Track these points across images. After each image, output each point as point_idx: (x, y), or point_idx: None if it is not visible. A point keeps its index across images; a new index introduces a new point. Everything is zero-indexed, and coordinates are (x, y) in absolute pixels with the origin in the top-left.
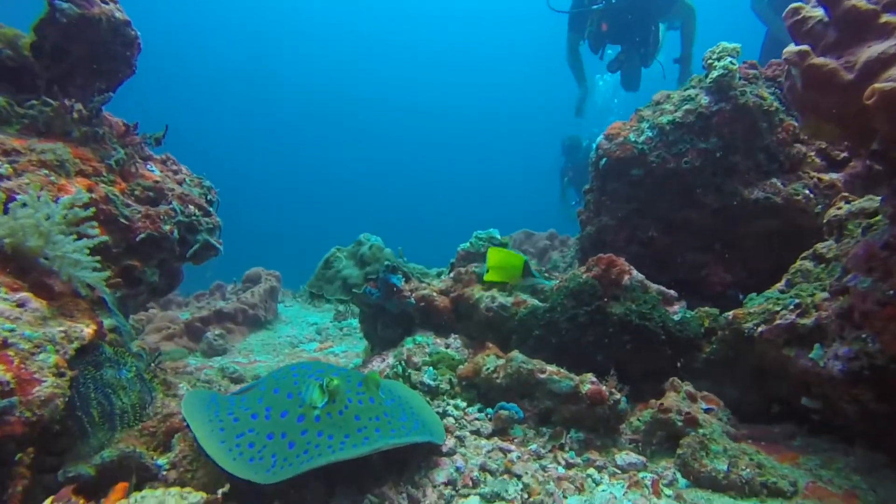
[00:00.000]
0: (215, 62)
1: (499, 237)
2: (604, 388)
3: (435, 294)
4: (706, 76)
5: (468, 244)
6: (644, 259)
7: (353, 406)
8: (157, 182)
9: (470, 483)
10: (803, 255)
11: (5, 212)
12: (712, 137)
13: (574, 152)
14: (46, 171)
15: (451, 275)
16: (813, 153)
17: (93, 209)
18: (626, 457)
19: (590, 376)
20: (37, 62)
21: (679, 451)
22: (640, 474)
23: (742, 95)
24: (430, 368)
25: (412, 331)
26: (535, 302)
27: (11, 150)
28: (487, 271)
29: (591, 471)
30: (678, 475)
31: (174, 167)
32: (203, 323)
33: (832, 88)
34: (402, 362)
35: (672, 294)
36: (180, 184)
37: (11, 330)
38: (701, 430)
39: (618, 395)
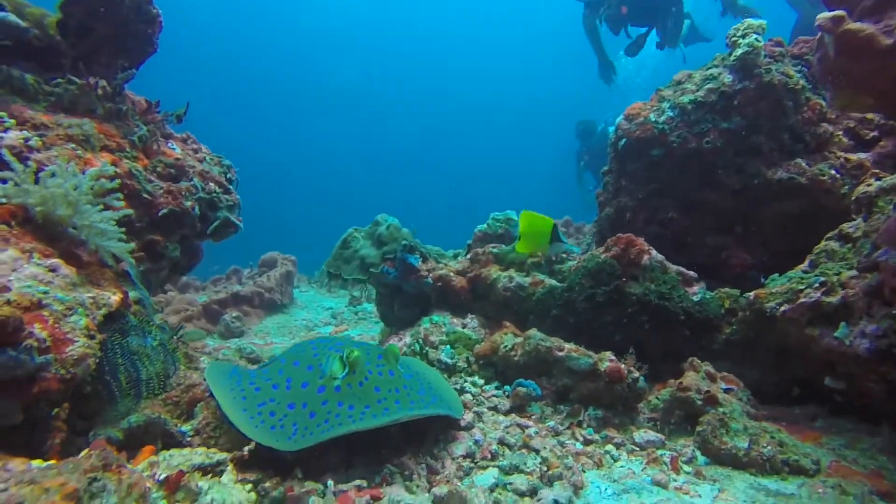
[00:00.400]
0: (233, 47)
1: (515, 218)
2: (622, 365)
3: (452, 274)
4: (730, 54)
5: (485, 225)
6: (663, 241)
7: (374, 378)
8: (178, 159)
9: (489, 455)
10: (828, 235)
11: (36, 181)
12: (735, 117)
13: (588, 136)
14: (73, 146)
15: (468, 255)
16: (840, 132)
17: (118, 181)
18: (644, 434)
19: (608, 354)
20: (63, 41)
21: (699, 429)
22: (659, 452)
23: (767, 73)
24: (448, 346)
25: (429, 311)
26: (553, 282)
27: (40, 125)
28: (520, 238)
29: (610, 447)
30: (697, 453)
31: (194, 146)
32: (220, 305)
33: (869, 55)
34: (420, 341)
35: (692, 275)
36: (201, 162)
37: (45, 292)
38: (721, 409)
39: (636, 374)
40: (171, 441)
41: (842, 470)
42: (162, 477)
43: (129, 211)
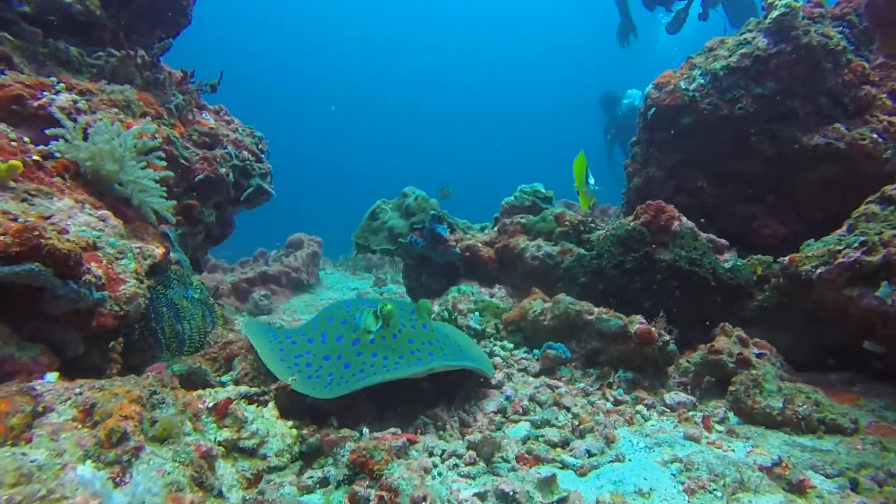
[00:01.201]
0: (266, 38)
1: (543, 191)
2: (653, 328)
3: (480, 245)
4: (765, 17)
5: (513, 198)
6: (692, 210)
7: (407, 331)
8: (212, 128)
9: (520, 410)
10: (868, 199)
11: (85, 138)
12: (769, 82)
13: (612, 107)
14: (116, 110)
15: (496, 227)
16: (884, 95)
17: (160, 139)
18: (675, 396)
19: (638, 317)
20: (104, 13)
21: (731, 389)
22: (690, 412)
23: (805, 35)
24: (477, 313)
25: (456, 281)
26: (581, 250)
27: (86, 91)
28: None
29: (640, 407)
30: (730, 413)
31: (227, 118)
32: (249, 284)
33: None
34: (448, 308)
35: (723, 242)
36: (234, 132)
37: (99, 236)
38: (753, 371)
39: (667, 336)
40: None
41: (882, 429)
42: (211, 404)
43: (169, 173)
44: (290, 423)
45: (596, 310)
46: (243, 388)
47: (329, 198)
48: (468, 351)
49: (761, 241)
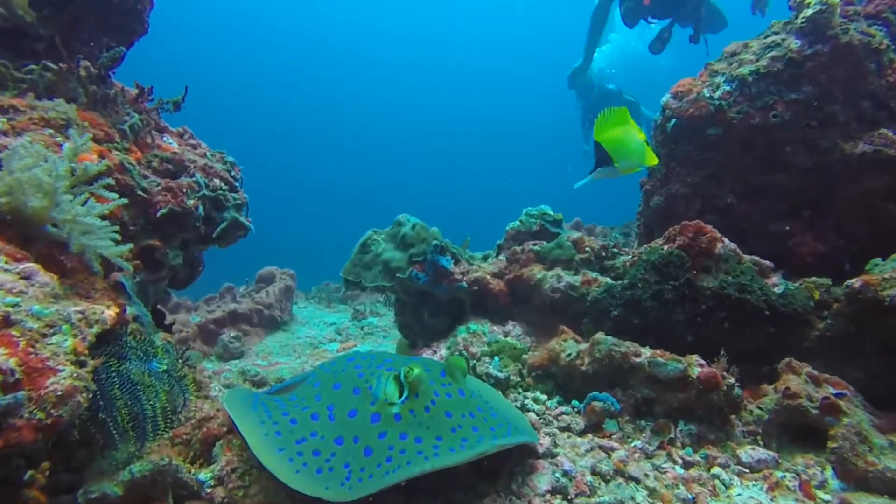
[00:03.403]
0: (226, 55)
1: (552, 213)
2: (716, 370)
3: (488, 277)
4: (795, 17)
5: (518, 223)
6: (721, 230)
7: (441, 400)
8: (175, 154)
9: (586, 490)
10: None
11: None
12: (805, 86)
13: (587, 91)
14: (51, 131)
15: (504, 255)
16: None
17: (106, 162)
18: (751, 452)
19: (696, 358)
20: (36, 14)
21: (832, 446)
22: (778, 473)
23: (844, 33)
24: (496, 358)
25: (463, 318)
26: (608, 280)
27: (9, 108)
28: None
29: (717, 470)
30: (828, 475)
31: (192, 141)
32: (217, 325)
33: None
34: (461, 352)
35: (767, 264)
36: (202, 157)
37: (15, 304)
38: (845, 420)
39: (731, 379)
40: (186, 493)
41: None
42: None
43: (124, 200)
44: None
45: (644, 351)
46: None
47: (299, 225)
48: (507, 415)
49: (798, 260)
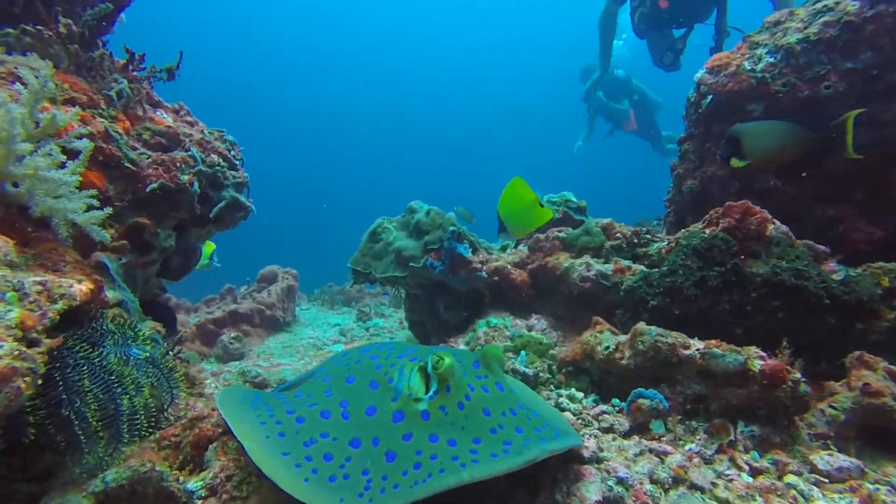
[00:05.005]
0: (227, 55)
1: (575, 200)
2: (780, 363)
3: (509, 266)
4: None
5: None
6: None
7: (478, 395)
8: (169, 127)
9: (648, 501)
10: None
11: None
12: (864, 53)
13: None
14: (20, 87)
15: (524, 246)
16: None
17: (78, 109)
18: (829, 459)
19: (754, 349)
20: None
21: None
22: (867, 485)
23: None
24: (523, 353)
25: (481, 312)
26: (641, 267)
27: None
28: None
29: (792, 479)
30: None
31: (189, 118)
32: (217, 325)
33: None
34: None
35: (823, 249)
36: (199, 133)
37: None
38: None
39: (797, 374)
40: None
41: None
42: None
43: (90, 144)
44: None
45: (694, 343)
46: None
47: (300, 228)
48: (545, 414)
49: (850, 247)
